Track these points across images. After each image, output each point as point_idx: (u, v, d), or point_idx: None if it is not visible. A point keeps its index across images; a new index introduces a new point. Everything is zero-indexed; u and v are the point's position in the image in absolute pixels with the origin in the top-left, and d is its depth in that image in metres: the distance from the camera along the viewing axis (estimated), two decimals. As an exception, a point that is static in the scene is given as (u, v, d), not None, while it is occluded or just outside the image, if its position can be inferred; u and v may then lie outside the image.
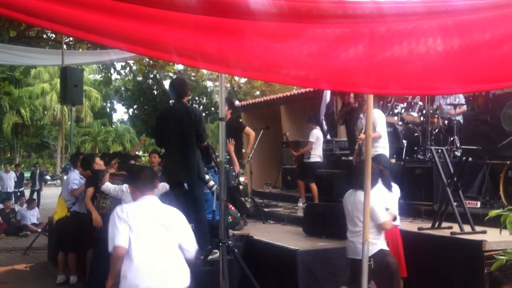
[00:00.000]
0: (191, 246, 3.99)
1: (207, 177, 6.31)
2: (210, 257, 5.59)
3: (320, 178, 9.65)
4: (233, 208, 7.30)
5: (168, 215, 4.02)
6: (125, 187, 6.34)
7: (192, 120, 6.02)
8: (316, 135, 9.39)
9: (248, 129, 8.41)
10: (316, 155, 9.41)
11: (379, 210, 5.27)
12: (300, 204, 8.91)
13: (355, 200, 5.37)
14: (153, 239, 3.81)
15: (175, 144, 6.06)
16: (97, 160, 7.35)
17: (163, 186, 6.34)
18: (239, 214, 7.45)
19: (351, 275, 5.45)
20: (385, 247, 5.31)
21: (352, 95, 9.47)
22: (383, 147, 7.22)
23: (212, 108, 34.63)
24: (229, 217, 6.86)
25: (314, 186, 9.29)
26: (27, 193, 21.07)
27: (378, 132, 7.09)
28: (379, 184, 5.55)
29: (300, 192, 9.66)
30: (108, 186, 6.54)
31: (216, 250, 5.46)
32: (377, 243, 5.29)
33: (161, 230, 3.88)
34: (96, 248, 6.73)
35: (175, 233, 3.92)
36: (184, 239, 3.95)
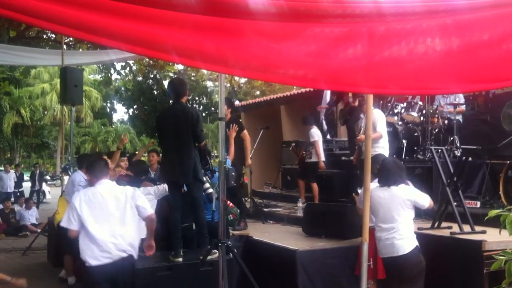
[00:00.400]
0: (146, 205, 4.86)
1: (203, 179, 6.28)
2: (209, 257, 5.58)
3: (320, 178, 9.66)
4: (231, 205, 7.27)
5: (121, 190, 4.87)
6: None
7: (189, 120, 5.98)
8: (317, 134, 9.38)
9: (245, 132, 8.17)
10: (319, 154, 9.36)
11: (421, 196, 5.41)
12: (300, 204, 8.90)
13: (391, 195, 5.37)
14: (115, 212, 4.69)
15: (172, 144, 6.04)
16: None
17: (164, 188, 6.33)
18: (239, 211, 7.42)
19: (389, 274, 5.45)
20: (417, 243, 5.35)
21: (350, 94, 9.46)
22: (382, 147, 7.21)
23: (212, 108, 34.65)
24: (230, 215, 6.83)
25: (315, 186, 9.27)
26: (26, 193, 21.07)
27: (378, 132, 7.08)
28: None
29: (300, 192, 9.63)
30: None
31: (216, 250, 5.45)
32: (414, 239, 5.35)
33: (120, 203, 4.73)
34: None
35: (132, 201, 4.76)
36: (139, 202, 4.79)
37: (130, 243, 4.71)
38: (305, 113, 10.44)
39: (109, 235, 4.59)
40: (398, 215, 5.27)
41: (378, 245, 5.42)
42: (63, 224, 4.73)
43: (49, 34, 14.95)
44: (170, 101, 6.68)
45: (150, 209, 4.91)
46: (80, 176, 8.03)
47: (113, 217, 4.66)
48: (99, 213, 4.62)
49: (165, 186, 6.36)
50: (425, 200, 5.41)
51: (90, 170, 4.99)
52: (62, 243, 8.16)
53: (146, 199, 5.02)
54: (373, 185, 5.61)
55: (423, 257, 5.30)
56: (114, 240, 4.59)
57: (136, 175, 6.90)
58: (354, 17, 3.00)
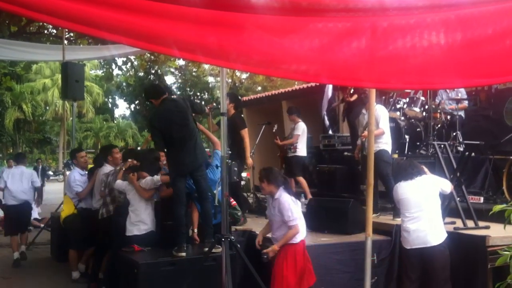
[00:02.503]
0: (36, 178, 10.09)
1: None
2: (213, 250, 5.59)
3: (322, 173, 9.64)
4: (234, 203, 7.25)
5: (28, 171, 10.15)
6: (125, 183, 6.61)
7: (186, 106, 6.16)
8: (303, 128, 9.15)
9: (245, 131, 8.13)
10: (303, 148, 9.19)
11: (443, 181, 5.71)
12: (303, 200, 8.87)
13: (418, 185, 5.53)
14: (21, 182, 9.52)
15: (179, 137, 6.02)
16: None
17: (151, 180, 6.42)
18: (240, 213, 7.35)
19: (414, 266, 5.50)
20: (446, 234, 5.51)
21: (349, 90, 9.43)
22: (385, 143, 7.18)
23: (214, 104, 34.55)
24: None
25: (302, 180, 9.08)
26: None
27: (381, 128, 7.03)
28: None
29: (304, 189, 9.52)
30: (118, 183, 6.66)
31: (219, 246, 5.45)
32: (444, 229, 5.51)
33: (25, 177, 9.62)
34: (113, 246, 6.77)
35: (30, 178, 9.70)
36: (33, 178, 9.76)
37: (27, 195, 9.60)
38: (309, 108, 10.38)
39: (19, 190, 9.43)
40: (429, 204, 5.41)
41: (407, 237, 5.45)
42: None
43: (50, 30, 14.94)
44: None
45: (39, 183, 10.19)
46: (75, 174, 8.04)
47: (21, 184, 9.47)
48: (15, 180, 9.46)
49: (153, 178, 6.45)
50: (447, 186, 5.67)
51: (14, 159, 10.74)
52: (66, 239, 8.20)
53: (36, 176, 10.30)
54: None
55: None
56: (20, 193, 9.42)
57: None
58: (357, 11, 2.98)
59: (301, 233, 5.35)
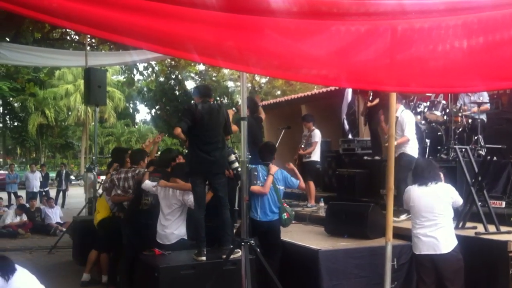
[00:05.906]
0: None
1: (232, 157, 6.42)
2: (232, 256, 5.59)
3: (341, 177, 9.62)
4: (286, 205, 7.27)
5: None
6: (152, 184, 6.69)
7: (223, 114, 6.16)
8: (319, 135, 9.51)
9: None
10: (317, 154, 9.48)
11: (457, 193, 5.58)
12: (322, 204, 8.88)
13: (431, 192, 5.46)
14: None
15: (208, 138, 6.02)
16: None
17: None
18: (293, 213, 7.33)
19: (427, 270, 5.45)
20: (457, 242, 5.41)
21: (370, 94, 9.44)
22: (411, 147, 7.26)
23: (234, 109, 34.62)
24: (285, 213, 6.81)
25: (312, 185, 9.38)
26: (52, 193, 21.42)
27: (405, 136, 7.17)
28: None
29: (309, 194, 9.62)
30: (147, 184, 6.70)
31: (239, 250, 5.46)
32: (455, 238, 5.41)
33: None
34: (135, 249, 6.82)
35: None
36: None
37: None
38: (328, 112, 10.41)
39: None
40: (440, 212, 5.35)
41: (418, 242, 5.42)
42: None
43: (72, 36, 15.14)
44: (192, 102, 6.67)
45: None
46: None
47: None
48: None
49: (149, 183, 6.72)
50: (460, 198, 5.60)
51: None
52: (91, 242, 8.20)
53: None
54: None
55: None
56: None
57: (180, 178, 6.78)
58: (378, 15, 2.99)
59: None
